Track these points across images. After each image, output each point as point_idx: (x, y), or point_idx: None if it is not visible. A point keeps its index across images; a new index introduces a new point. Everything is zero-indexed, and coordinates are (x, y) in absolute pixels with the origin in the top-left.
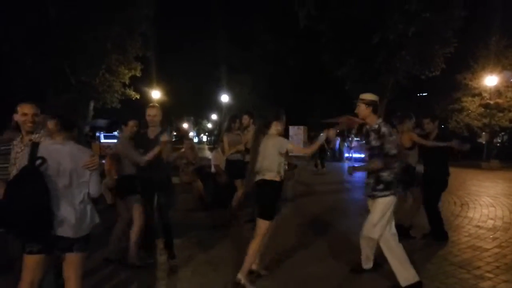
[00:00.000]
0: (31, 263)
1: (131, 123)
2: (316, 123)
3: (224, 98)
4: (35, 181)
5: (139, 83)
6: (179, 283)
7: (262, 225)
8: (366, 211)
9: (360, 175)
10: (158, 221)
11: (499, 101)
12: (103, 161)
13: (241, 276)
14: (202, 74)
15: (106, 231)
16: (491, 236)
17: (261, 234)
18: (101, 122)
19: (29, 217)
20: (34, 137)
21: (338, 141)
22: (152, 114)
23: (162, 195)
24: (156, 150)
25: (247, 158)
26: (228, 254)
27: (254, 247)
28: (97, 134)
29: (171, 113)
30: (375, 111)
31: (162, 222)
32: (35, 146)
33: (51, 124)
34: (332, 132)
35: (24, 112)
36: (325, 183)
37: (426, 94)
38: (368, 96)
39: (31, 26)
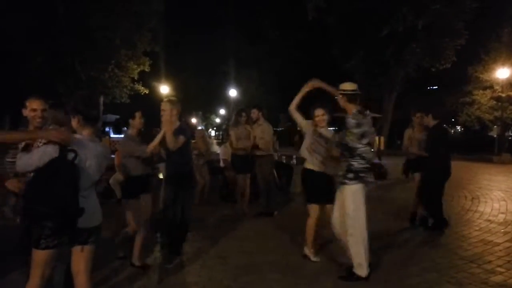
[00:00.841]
0: (44, 259)
1: (137, 114)
2: None
3: (232, 92)
4: (68, 173)
5: (148, 78)
6: (188, 277)
7: (309, 208)
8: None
9: None
10: (177, 216)
11: (511, 94)
12: (113, 156)
13: (306, 250)
14: (210, 69)
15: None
16: (502, 230)
17: (312, 216)
18: (111, 117)
19: (65, 209)
20: None
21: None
22: (165, 109)
23: (187, 190)
24: (157, 140)
25: (259, 152)
26: (236, 248)
27: (307, 225)
28: (107, 129)
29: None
30: (351, 101)
31: (183, 217)
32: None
33: (74, 122)
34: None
35: (33, 108)
36: None
37: (436, 87)
38: (344, 86)
39: (39, 24)
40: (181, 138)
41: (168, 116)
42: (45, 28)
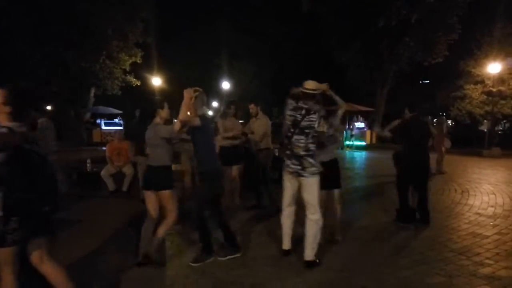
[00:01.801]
0: (13, 254)
1: (166, 104)
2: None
3: (225, 85)
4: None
5: (139, 70)
6: (180, 270)
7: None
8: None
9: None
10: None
11: (502, 88)
12: (104, 148)
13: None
14: (203, 61)
15: (109, 218)
16: (491, 223)
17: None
18: (103, 109)
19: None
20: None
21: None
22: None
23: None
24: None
25: (261, 145)
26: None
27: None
28: (98, 121)
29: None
30: (313, 98)
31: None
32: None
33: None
34: None
35: None
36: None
37: (428, 81)
38: (308, 85)
39: (28, 14)
40: (197, 120)
41: (188, 100)
42: (35, 19)
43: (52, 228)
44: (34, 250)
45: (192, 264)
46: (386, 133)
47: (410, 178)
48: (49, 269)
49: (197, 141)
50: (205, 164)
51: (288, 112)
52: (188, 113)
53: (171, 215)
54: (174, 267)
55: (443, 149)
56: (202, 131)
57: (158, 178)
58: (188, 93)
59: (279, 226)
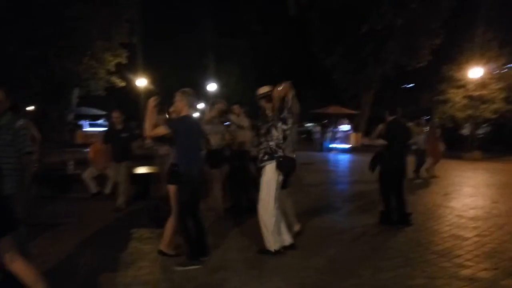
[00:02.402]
0: None
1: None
2: (305, 113)
3: (212, 86)
4: None
5: (125, 71)
6: (162, 273)
7: None
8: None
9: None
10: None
11: (483, 93)
12: (87, 150)
13: None
14: (189, 62)
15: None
16: (471, 225)
17: None
18: (86, 110)
19: None
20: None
21: (318, 132)
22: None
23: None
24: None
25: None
26: (211, 244)
27: None
28: (82, 122)
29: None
30: (269, 101)
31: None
32: None
33: None
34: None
35: None
36: (309, 173)
37: (412, 85)
38: (261, 90)
39: (12, 12)
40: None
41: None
42: (18, 16)
43: (15, 224)
44: (1, 249)
45: (177, 269)
46: (379, 141)
47: (392, 180)
48: (20, 268)
49: (175, 144)
50: (181, 167)
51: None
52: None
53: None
54: (156, 271)
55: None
56: (178, 134)
57: None
58: (149, 103)
59: (258, 227)
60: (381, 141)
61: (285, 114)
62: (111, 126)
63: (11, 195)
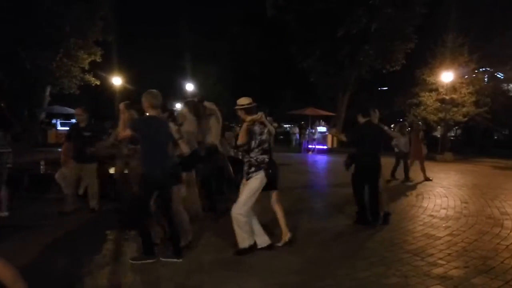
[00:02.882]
0: None
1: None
2: (282, 114)
3: (189, 87)
4: None
5: (99, 69)
6: (137, 275)
7: None
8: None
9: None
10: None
11: (454, 96)
12: (59, 149)
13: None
14: (166, 62)
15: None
16: (443, 225)
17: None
18: (59, 108)
19: None
20: None
21: (297, 134)
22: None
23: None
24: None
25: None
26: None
27: None
28: (54, 121)
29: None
30: (248, 113)
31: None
32: None
33: None
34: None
35: None
36: (288, 174)
37: (386, 88)
38: (240, 101)
39: None
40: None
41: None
42: None
43: None
44: None
45: (131, 261)
46: (342, 137)
47: (364, 180)
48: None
49: (139, 144)
50: (143, 168)
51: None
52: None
53: None
54: (131, 273)
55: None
56: (140, 135)
57: None
58: (120, 106)
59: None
60: (342, 137)
61: (257, 129)
62: (75, 124)
63: None
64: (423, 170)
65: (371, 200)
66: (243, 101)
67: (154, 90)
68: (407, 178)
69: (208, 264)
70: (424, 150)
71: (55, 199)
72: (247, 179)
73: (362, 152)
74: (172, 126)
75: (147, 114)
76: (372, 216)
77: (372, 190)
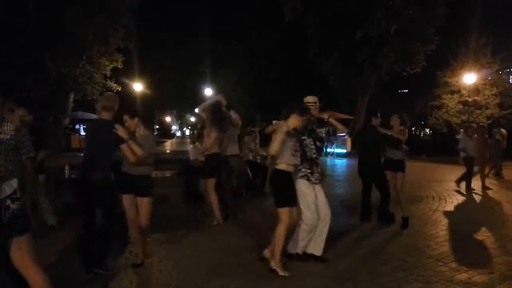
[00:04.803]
0: None
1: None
2: None
3: (208, 92)
4: None
5: (120, 75)
6: (160, 277)
7: (282, 213)
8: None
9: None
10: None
11: (477, 98)
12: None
13: (273, 264)
14: (185, 67)
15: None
16: (467, 230)
17: (284, 222)
18: (83, 114)
19: None
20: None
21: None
22: None
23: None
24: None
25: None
26: (209, 248)
27: (279, 232)
28: (77, 126)
29: (153, 106)
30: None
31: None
32: None
33: None
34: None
35: None
36: None
37: (407, 90)
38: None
39: (8, 17)
40: None
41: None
42: (14, 22)
43: (27, 226)
44: (14, 251)
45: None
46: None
47: (364, 180)
48: (31, 273)
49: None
50: (81, 170)
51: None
52: None
53: None
54: (153, 275)
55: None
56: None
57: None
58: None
59: (259, 233)
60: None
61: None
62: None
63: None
64: (482, 177)
65: (381, 200)
66: (311, 99)
67: (109, 93)
68: (469, 186)
69: (228, 268)
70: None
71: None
72: (319, 183)
73: (361, 153)
74: (120, 128)
75: (99, 116)
76: (382, 216)
77: (379, 190)
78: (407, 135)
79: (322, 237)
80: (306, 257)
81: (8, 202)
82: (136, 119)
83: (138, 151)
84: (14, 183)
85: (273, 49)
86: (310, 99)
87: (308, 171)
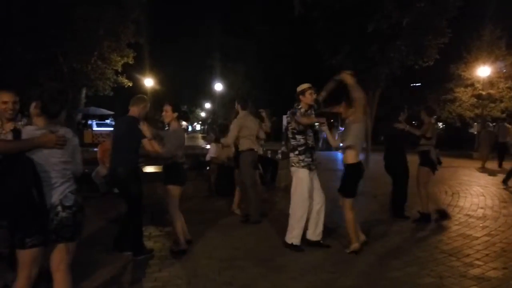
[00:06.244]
0: (30, 258)
1: None
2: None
3: (218, 86)
4: (20, 169)
5: (131, 71)
6: (173, 270)
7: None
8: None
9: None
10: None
11: (491, 91)
12: (95, 149)
13: (354, 246)
14: (195, 62)
15: (100, 221)
16: (480, 225)
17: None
18: (94, 110)
19: (21, 206)
20: (19, 124)
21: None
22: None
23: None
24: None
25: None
26: (221, 242)
27: (350, 220)
28: (89, 122)
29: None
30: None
31: None
32: (17, 133)
33: (31, 106)
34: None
35: (4, 100)
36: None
37: (419, 84)
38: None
39: (20, 14)
40: None
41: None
42: (27, 19)
43: (74, 234)
44: (55, 253)
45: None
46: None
47: (390, 175)
48: (60, 279)
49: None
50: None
51: None
52: None
53: None
54: (166, 268)
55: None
56: None
57: None
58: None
59: (270, 227)
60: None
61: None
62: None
63: None
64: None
65: (394, 193)
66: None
67: (139, 95)
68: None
69: (239, 261)
70: None
71: (93, 197)
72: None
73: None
74: (144, 127)
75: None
76: (393, 209)
77: (395, 183)
78: (430, 128)
79: (320, 221)
80: (311, 245)
81: (59, 209)
82: (176, 113)
83: (159, 148)
84: (67, 188)
85: (282, 43)
86: (305, 85)
87: (309, 159)
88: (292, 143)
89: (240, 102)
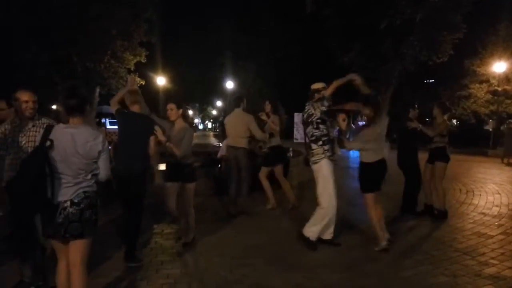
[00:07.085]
0: (56, 246)
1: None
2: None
3: (229, 84)
4: (38, 162)
5: (144, 69)
6: (185, 267)
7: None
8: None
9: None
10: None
11: (507, 87)
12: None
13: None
14: (207, 60)
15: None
16: (496, 223)
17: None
18: (107, 108)
19: (30, 196)
20: (39, 122)
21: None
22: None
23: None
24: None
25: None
26: (233, 240)
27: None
28: (103, 120)
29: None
30: None
31: None
32: (48, 128)
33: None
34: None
35: (25, 99)
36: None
37: (433, 80)
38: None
39: (34, 15)
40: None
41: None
42: (40, 19)
43: (83, 231)
44: (71, 250)
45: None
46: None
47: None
48: (76, 274)
49: None
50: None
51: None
52: None
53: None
54: (177, 266)
55: None
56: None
57: None
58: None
59: (281, 224)
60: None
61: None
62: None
63: None
64: None
65: (405, 189)
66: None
67: (132, 88)
68: None
69: (251, 259)
70: None
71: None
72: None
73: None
74: (159, 131)
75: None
76: (404, 204)
77: (406, 180)
78: (444, 126)
79: (333, 221)
80: (322, 242)
81: (67, 204)
82: (180, 111)
83: (177, 151)
84: (80, 188)
85: (293, 41)
86: (319, 85)
87: (331, 152)
88: (315, 133)
89: (234, 100)
